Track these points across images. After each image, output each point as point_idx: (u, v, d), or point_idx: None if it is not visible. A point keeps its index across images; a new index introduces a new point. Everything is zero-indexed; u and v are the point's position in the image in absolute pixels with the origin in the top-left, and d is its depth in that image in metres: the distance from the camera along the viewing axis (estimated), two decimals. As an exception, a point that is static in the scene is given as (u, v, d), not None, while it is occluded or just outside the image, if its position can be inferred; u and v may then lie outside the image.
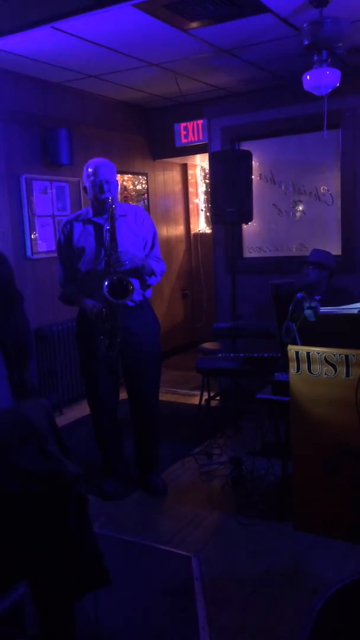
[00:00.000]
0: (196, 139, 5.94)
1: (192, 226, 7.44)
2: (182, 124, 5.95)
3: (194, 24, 3.86)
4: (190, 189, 7.38)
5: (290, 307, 2.73)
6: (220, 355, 4.35)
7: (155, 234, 3.46)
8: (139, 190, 6.43)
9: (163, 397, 3.69)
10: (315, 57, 3.64)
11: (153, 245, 3.44)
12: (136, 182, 6.38)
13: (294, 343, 2.77)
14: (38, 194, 5.03)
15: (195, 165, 7.39)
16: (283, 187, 4.99)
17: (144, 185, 6.50)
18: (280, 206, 5.02)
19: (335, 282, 4.13)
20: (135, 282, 3.29)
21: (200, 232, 7.45)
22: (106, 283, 3.09)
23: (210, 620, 2.43)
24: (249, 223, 4.85)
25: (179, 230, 7.24)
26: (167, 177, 6.98)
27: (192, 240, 7.44)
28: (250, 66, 4.90)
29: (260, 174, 5.04)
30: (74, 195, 5.40)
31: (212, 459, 4.03)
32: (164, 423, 3.74)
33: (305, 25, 3.52)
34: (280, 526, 3.09)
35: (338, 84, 3.73)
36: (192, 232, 7.44)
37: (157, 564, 2.88)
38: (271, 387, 3.10)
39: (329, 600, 1.58)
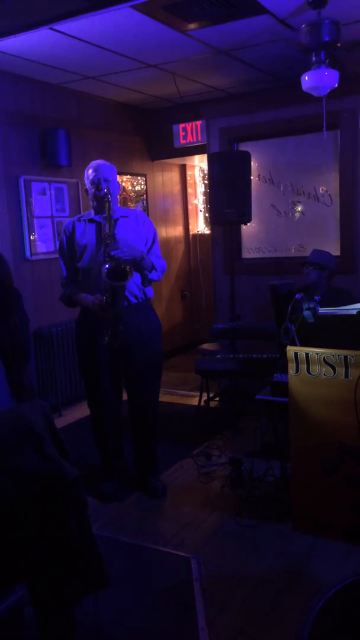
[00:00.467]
0: (195, 139, 5.94)
1: (190, 227, 7.44)
2: (181, 125, 5.95)
3: (192, 25, 3.86)
4: (189, 190, 7.38)
5: (289, 308, 2.73)
6: (219, 356, 4.34)
7: (155, 234, 3.49)
8: (138, 191, 6.43)
9: (162, 398, 3.69)
10: (314, 58, 3.64)
11: (153, 243, 3.46)
12: (135, 183, 6.38)
13: (293, 344, 2.77)
14: (37, 195, 5.03)
15: (194, 166, 7.40)
16: (282, 188, 4.99)
17: (142, 186, 6.50)
18: (279, 207, 5.02)
19: (334, 283, 4.14)
20: (137, 278, 3.30)
21: (199, 232, 7.45)
22: (106, 267, 3.10)
23: (209, 622, 2.43)
24: (248, 224, 4.85)
25: (177, 231, 7.25)
26: (166, 178, 6.98)
27: (191, 241, 7.45)
28: (248, 67, 4.90)
29: (259, 175, 5.04)
30: (73, 197, 5.40)
31: (211, 460, 4.03)
32: (163, 424, 3.74)
33: (303, 26, 3.52)
34: (279, 527, 3.09)
35: (336, 85, 3.74)
36: (191, 233, 7.45)
37: (157, 566, 2.88)
38: (270, 388, 3.10)
39: (328, 601, 1.58)
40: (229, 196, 4.41)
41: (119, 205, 3.52)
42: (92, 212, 3.43)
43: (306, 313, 2.71)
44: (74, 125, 5.39)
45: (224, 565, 2.84)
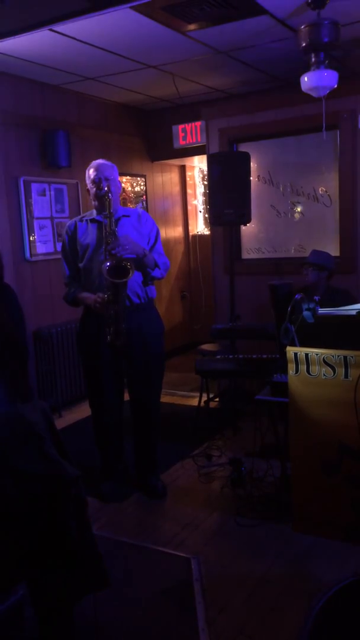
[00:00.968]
0: (194, 140, 5.94)
1: (190, 228, 7.45)
2: (180, 126, 5.95)
3: (192, 26, 3.87)
4: (189, 191, 7.38)
5: (289, 308, 2.73)
6: (219, 356, 4.34)
7: (157, 232, 3.49)
8: (138, 192, 6.43)
9: (162, 398, 3.69)
10: (313, 59, 3.65)
11: (156, 241, 3.46)
12: (134, 184, 6.39)
13: (293, 344, 2.77)
14: (36, 196, 5.03)
15: (193, 167, 7.40)
16: (281, 189, 4.99)
17: (142, 187, 6.50)
18: (278, 207, 5.03)
19: (333, 283, 4.14)
20: (139, 277, 3.30)
21: (199, 233, 7.45)
22: (107, 264, 3.10)
23: (209, 622, 2.43)
24: (248, 224, 4.86)
25: (177, 231, 7.25)
26: (166, 178, 6.99)
27: (191, 241, 7.45)
28: (248, 68, 4.91)
29: (258, 176, 5.05)
30: (73, 197, 5.41)
31: (211, 461, 4.03)
32: (163, 425, 3.74)
33: (302, 27, 3.52)
34: (279, 527, 3.09)
35: (336, 86, 3.74)
36: (191, 234, 7.45)
37: (157, 566, 2.88)
38: (270, 389, 3.10)
39: (328, 601, 1.58)
40: (228, 197, 4.41)
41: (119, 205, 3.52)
42: (94, 212, 3.43)
43: (306, 313, 2.71)
44: (74, 126, 5.39)
45: (224, 565, 2.84)
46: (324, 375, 2.68)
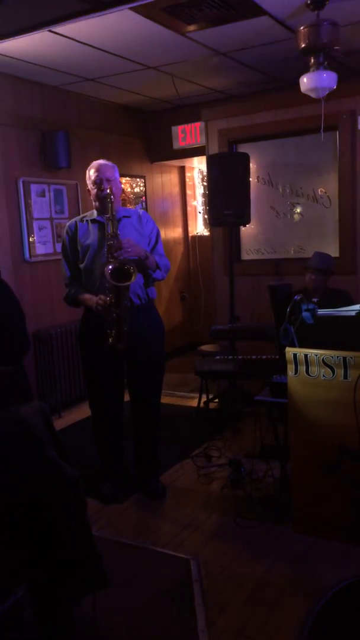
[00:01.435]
0: (194, 141, 5.93)
1: (190, 228, 7.45)
2: (180, 127, 5.95)
3: (191, 27, 3.87)
4: (188, 192, 7.39)
5: (288, 309, 2.73)
6: (218, 357, 4.34)
7: (158, 233, 3.49)
8: (137, 192, 6.44)
9: (162, 399, 3.69)
10: (312, 60, 3.65)
11: (156, 242, 3.46)
12: (134, 185, 6.39)
13: (292, 345, 2.77)
14: (36, 197, 5.03)
15: (192, 168, 7.40)
16: (281, 190, 4.99)
17: (141, 188, 6.50)
18: (278, 208, 5.03)
19: (331, 284, 4.14)
20: (140, 278, 3.30)
21: (198, 234, 7.46)
22: (109, 267, 3.10)
23: (209, 622, 2.43)
24: (247, 225, 4.86)
25: (177, 232, 7.25)
26: (165, 179, 6.99)
27: (190, 242, 7.45)
28: (247, 69, 4.91)
29: (257, 177, 5.05)
30: (72, 198, 5.41)
31: (210, 461, 4.03)
32: (162, 425, 3.74)
33: (302, 28, 3.53)
34: (279, 528, 3.09)
35: (335, 87, 3.74)
36: (190, 235, 7.45)
37: (156, 567, 2.88)
38: (269, 390, 3.10)
39: (328, 602, 1.58)
40: (228, 198, 4.41)
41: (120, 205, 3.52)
42: (95, 212, 3.42)
43: (305, 314, 2.71)
44: (73, 127, 5.40)
45: (224, 566, 2.84)
46: (323, 376, 2.68)
